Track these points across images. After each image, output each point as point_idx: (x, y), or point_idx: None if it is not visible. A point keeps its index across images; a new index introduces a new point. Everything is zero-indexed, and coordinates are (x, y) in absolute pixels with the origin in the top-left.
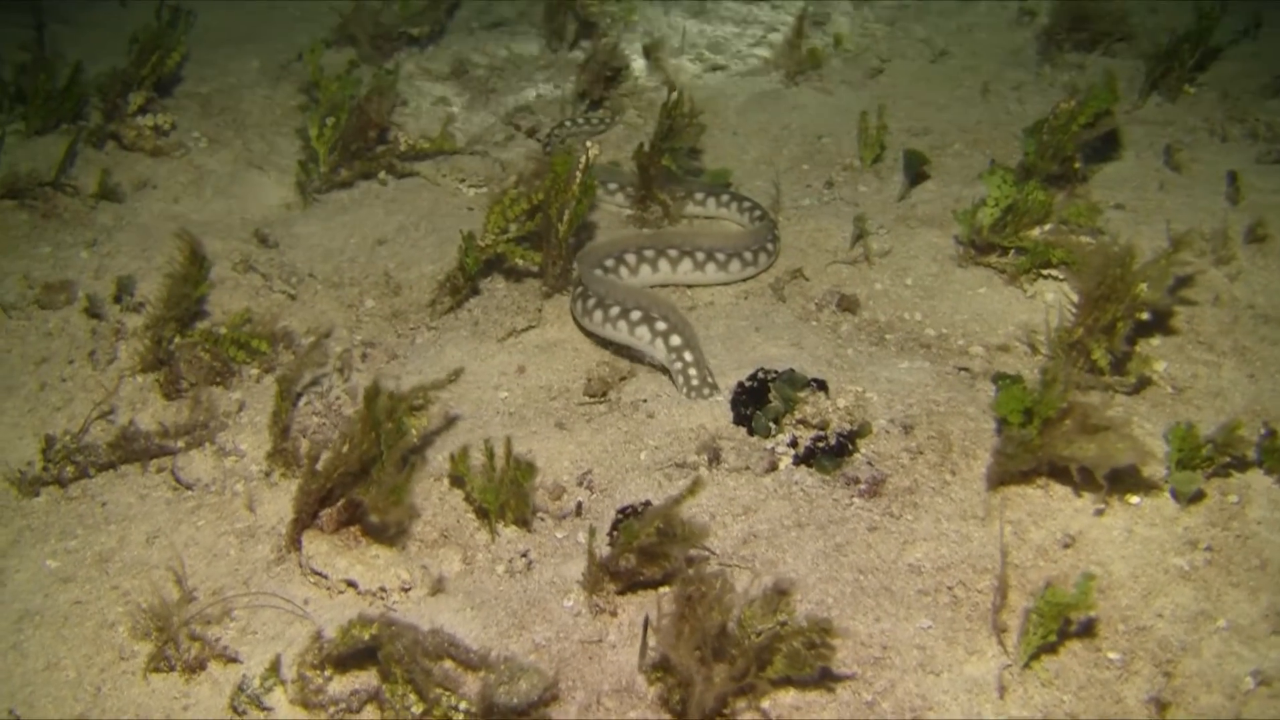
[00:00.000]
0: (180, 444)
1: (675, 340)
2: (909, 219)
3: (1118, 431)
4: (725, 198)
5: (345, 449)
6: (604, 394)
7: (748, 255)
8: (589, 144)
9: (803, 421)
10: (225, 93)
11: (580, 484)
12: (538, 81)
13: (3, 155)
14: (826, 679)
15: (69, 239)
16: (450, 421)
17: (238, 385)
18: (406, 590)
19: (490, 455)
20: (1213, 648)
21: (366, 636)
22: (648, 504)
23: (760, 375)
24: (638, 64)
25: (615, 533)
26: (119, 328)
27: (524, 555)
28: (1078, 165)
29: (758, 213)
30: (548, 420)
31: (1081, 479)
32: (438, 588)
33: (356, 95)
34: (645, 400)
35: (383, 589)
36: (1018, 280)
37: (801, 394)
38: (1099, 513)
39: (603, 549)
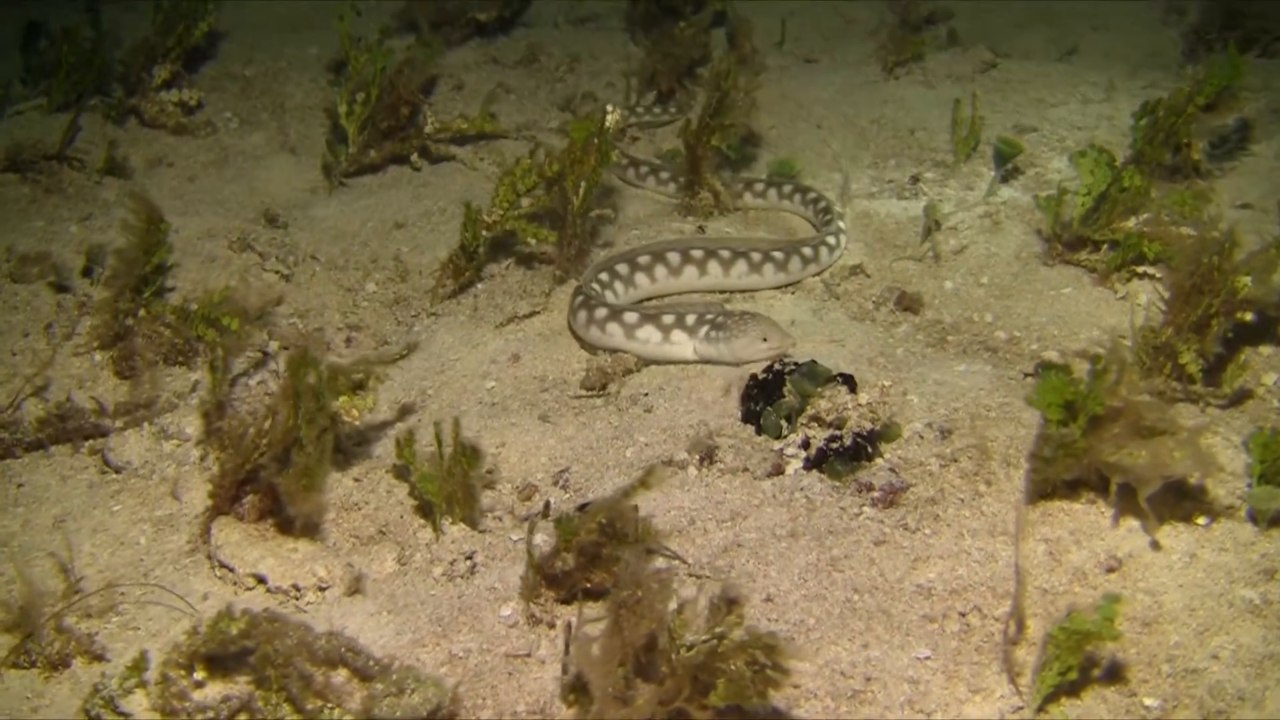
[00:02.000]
0: (118, 424)
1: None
2: (995, 215)
3: (1176, 437)
4: (788, 188)
5: (267, 426)
6: (603, 387)
7: (778, 257)
8: (610, 108)
9: (817, 419)
10: (271, 76)
11: (556, 482)
12: (614, 74)
13: (6, 126)
14: (786, 712)
15: (65, 213)
16: (420, 408)
17: (202, 365)
18: (323, 589)
19: (440, 442)
20: (1279, 699)
21: (235, 632)
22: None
23: (776, 367)
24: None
25: None
26: (84, 302)
27: (468, 557)
28: (1198, 156)
29: (822, 204)
30: (531, 412)
31: (1121, 495)
32: (356, 588)
33: (389, 68)
34: (646, 394)
35: (296, 586)
36: (1109, 279)
37: (822, 390)
38: (1151, 536)
39: (546, 549)
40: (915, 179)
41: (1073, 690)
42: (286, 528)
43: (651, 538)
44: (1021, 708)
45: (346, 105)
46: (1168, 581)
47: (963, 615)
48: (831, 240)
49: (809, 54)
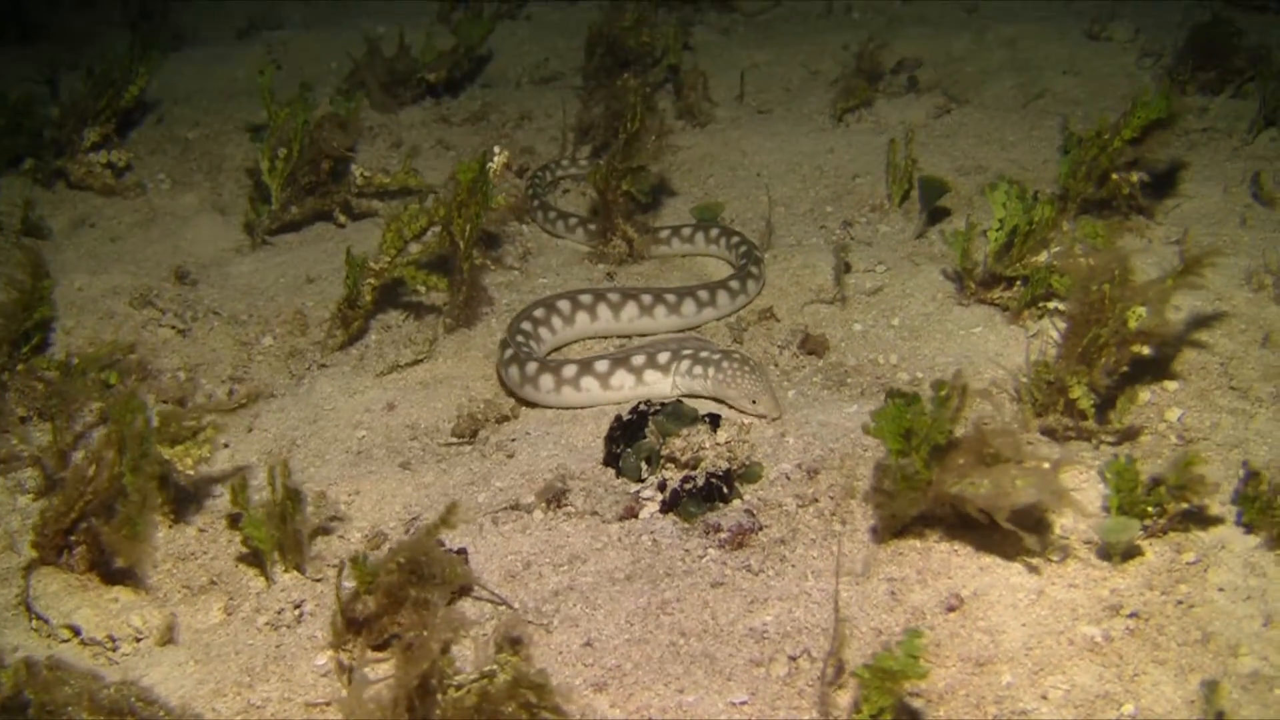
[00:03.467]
0: None
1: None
2: (917, 255)
3: (1021, 465)
4: (714, 233)
5: (91, 473)
6: (473, 434)
7: (703, 295)
8: (495, 149)
9: (672, 459)
10: (212, 139)
11: (408, 530)
12: (563, 129)
13: None
14: None
15: None
16: (276, 456)
17: (78, 419)
18: (139, 640)
19: (273, 489)
20: None
21: (5, 682)
22: (461, 550)
23: (642, 408)
24: (665, 104)
25: None
26: None
27: (297, 606)
28: (1127, 190)
29: (743, 249)
30: (394, 460)
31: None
32: (167, 638)
33: (310, 122)
34: (514, 440)
35: (111, 637)
36: (1020, 317)
37: (683, 430)
38: (998, 573)
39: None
40: (848, 224)
41: None
42: (112, 578)
43: (461, 578)
44: None
45: (269, 161)
46: (1009, 620)
47: (792, 659)
48: (735, 285)
49: (765, 105)
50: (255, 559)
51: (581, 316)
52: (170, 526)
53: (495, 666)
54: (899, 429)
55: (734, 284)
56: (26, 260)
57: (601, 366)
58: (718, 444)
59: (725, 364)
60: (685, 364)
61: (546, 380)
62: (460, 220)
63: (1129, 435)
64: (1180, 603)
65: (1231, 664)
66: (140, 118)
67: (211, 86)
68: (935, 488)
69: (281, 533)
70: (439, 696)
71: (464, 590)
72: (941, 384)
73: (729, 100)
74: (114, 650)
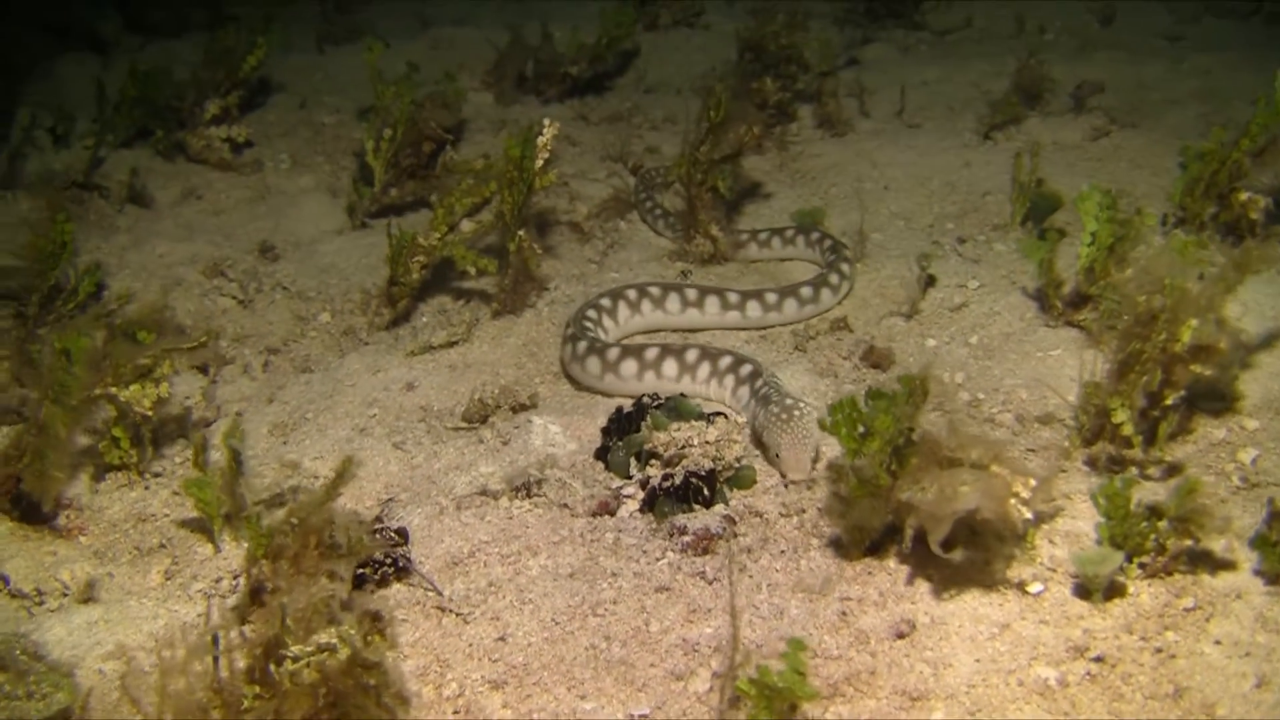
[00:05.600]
0: None
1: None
2: (1017, 274)
3: (971, 469)
4: (815, 236)
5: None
6: (484, 419)
7: (770, 298)
8: (546, 121)
9: (654, 455)
10: (346, 124)
11: (382, 511)
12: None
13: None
14: None
15: (86, 238)
16: (291, 429)
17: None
18: (66, 595)
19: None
20: None
21: None
22: (401, 530)
23: (645, 400)
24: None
25: None
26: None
27: (236, 576)
28: (1255, 213)
29: (832, 255)
30: (389, 439)
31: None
32: (88, 595)
33: (417, 102)
34: (518, 427)
35: (39, 590)
36: (1101, 340)
37: (674, 426)
38: (956, 600)
39: None
40: (960, 240)
41: None
42: (57, 531)
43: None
44: None
45: (373, 142)
46: (961, 653)
47: (716, 675)
48: (834, 280)
49: (918, 121)
50: (202, 524)
51: (649, 306)
52: (145, 489)
53: (335, 641)
54: (854, 425)
55: (806, 291)
56: (48, 205)
57: (651, 354)
58: (706, 442)
59: (774, 407)
60: (732, 381)
61: (593, 363)
62: (507, 196)
63: (1173, 471)
64: (1159, 651)
65: None
66: (283, 102)
67: (365, 78)
68: (894, 494)
69: (233, 501)
70: (273, 668)
71: (402, 573)
72: (907, 377)
73: (886, 115)
74: (40, 604)
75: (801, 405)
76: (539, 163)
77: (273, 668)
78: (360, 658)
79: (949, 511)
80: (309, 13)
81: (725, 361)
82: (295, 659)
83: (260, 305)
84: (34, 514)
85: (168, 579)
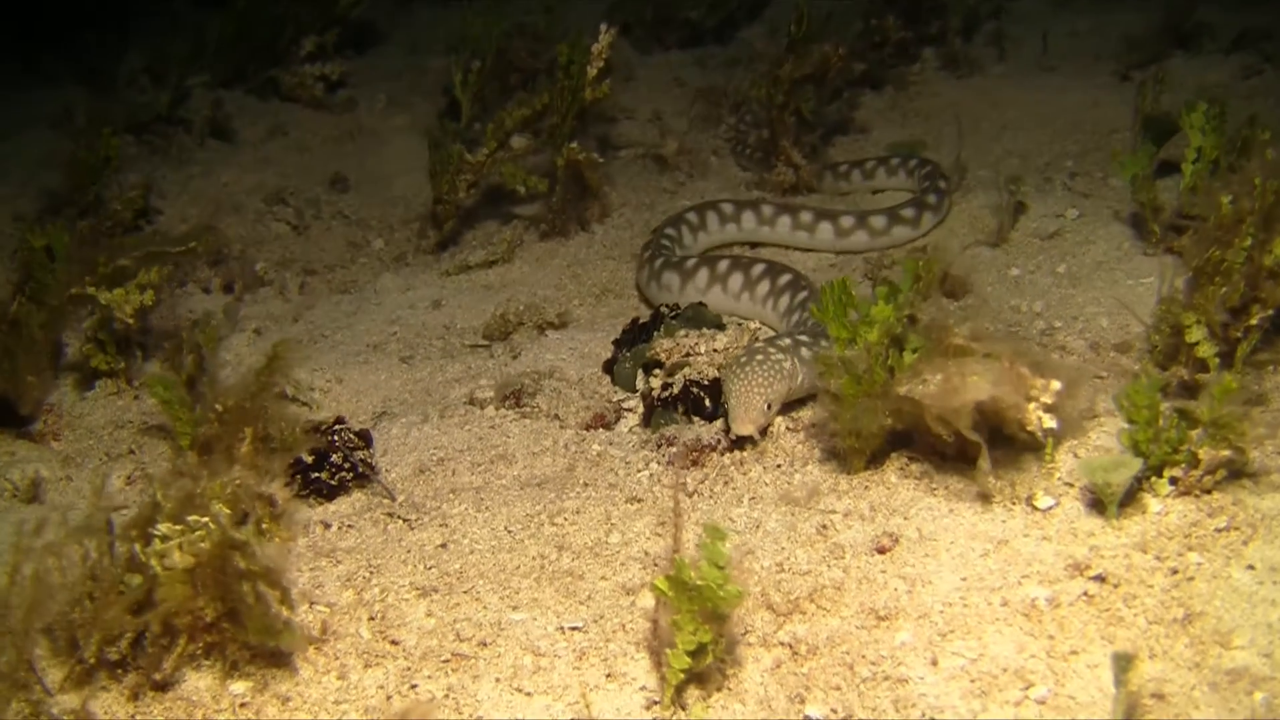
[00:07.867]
0: None
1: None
2: (1122, 204)
3: (979, 357)
4: (911, 162)
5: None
6: (505, 336)
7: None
8: (603, 26)
9: (657, 364)
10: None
11: (374, 423)
12: None
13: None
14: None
15: (163, 169)
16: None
17: None
18: (15, 496)
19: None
20: None
21: None
22: (363, 433)
23: (662, 310)
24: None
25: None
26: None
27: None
28: None
29: (928, 182)
30: (398, 355)
31: (956, 457)
32: (31, 495)
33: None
34: (534, 342)
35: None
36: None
37: (685, 332)
38: (958, 513)
39: None
40: (1073, 175)
41: (719, 683)
42: (29, 435)
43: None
44: (656, 703)
45: (460, 74)
46: (945, 570)
47: None
48: (932, 200)
49: (1053, 65)
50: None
51: (731, 223)
52: (134, 398)
53: (206, 523)
54: (845, 312)
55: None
56: (92, 118)
57: (722, 267)
58: (714, 350)
59: (770, 350)
60: (784, 304)
61: (670, 277)
62: (557, 105)
63: (1258, 401)
64: (1175, 573)
65: (1211, 654)
66: (391, 52)
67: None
68: (892, 391)
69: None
70: (139, 549)
71: (362, 479)
72: (911, 262)
73: (1022, 61)
74: None
75: (771, 351)
76: (592, 71)
77: (138, 549)
78: (228, 538)
79: (959, 403)
80: None
81: (785, 277)
82: (165, 539)
83: (315, 232)
84: (10, 416)
85: (128, 484)
